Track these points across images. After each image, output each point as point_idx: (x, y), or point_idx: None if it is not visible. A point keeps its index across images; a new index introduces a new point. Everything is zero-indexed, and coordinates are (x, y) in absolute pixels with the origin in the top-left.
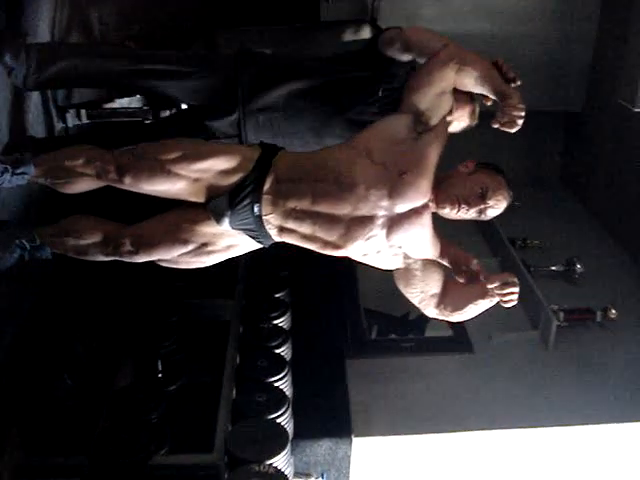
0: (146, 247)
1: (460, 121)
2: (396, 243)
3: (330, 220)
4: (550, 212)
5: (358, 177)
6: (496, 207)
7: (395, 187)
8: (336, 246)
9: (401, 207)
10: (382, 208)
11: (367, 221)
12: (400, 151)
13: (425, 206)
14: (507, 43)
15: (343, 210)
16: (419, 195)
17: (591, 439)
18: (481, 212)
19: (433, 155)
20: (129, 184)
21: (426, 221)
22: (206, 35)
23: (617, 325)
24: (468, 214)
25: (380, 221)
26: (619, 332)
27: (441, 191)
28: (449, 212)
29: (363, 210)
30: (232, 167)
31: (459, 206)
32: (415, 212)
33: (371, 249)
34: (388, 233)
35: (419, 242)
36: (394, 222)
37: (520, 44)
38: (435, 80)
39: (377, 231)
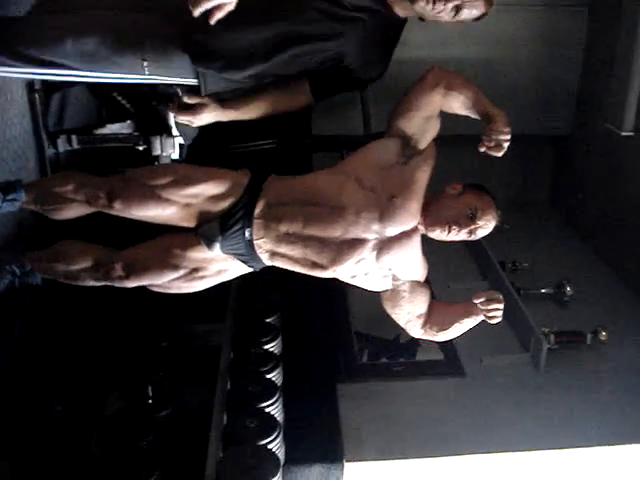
0: (137, 272)
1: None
2: (386, 265)
3: (321, 243)
4: (539, 235)
5: (348, 201)
6: (485, 227)
7: (385, 211)
8: (325, 268)
9: (391, 230)
10: (373, 231)
11: (358, 244)
12: (389, 175)
13: (415, 229)
14: (495, 68)
15: (334, 233)
16: (409, 218)
17: (582, 462)
18: (471, 233)
19: (422, 179)
20: (119, 210)
21: (415, 243)
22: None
23: (608, 347)
24: (458, 235)
25: (370, 244)
26: (610, 354)
27: (430, 213)
28: (439, 234)
29: (354, 233)
30: (222, 192)
31: (449, 228)
32: (405, 235)
33: (360, 271)
34: (378, 256)
35: (408, 264)
36: (384, 245)
37: (508, 68)
38: (422, 105)
39: (367, 254)
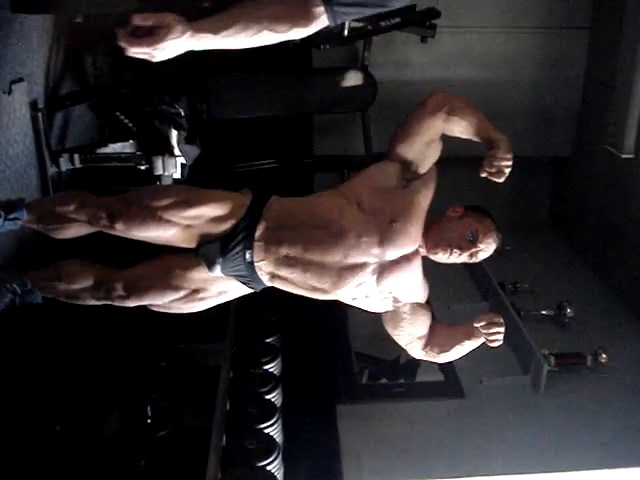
0: (137, 292)
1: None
2: (386, 289)
3: (321, 267)
4: (540, 256)
5: (348, 225)
6: (486, 250)
7: (386, 235)
8: (326, 292)
9: (392, 254)
10: (373, 255)
11: (358, 268)
12: (389, 199)
13: (415, 252)
14: (495, 89)
15: (334, 257)
16: (409, 242)
17: None
18: (472, 256)
19: (423, 203)
20: (121, 230)
21: (416, 266)
22: (199, 81)
23: (608, 369)
24: (460, 258)
25: (371, 268)
26: (610, 376)
27: (432, 236)
28: (441, 257)
29: (354, 258)
30: (224, 214)
31: (451, 251)
32: (405, 258)
33: (361, 294)
34: (378, 279)
35: (409, 287)
36: (384, 269)
37: (508, 90)
38: (423, 129)
39: (367, 277)
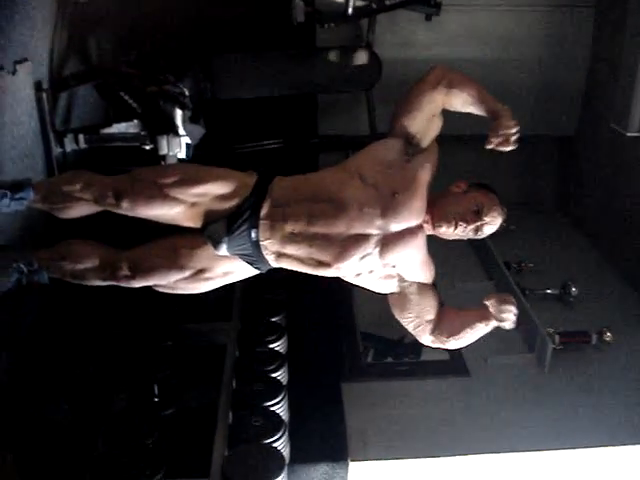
0: (143, 272)
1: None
2: (390, 262)
3: (326, 239)
4: (545, 235)
5: (350, 197)
6: (492, 224)
7: (388, 206)
8: (330, 265)
9: (395, 226)
10: (376, 227)
11: (362, 239)
12: (392, 173)
13: (420, 227)
14: (500, 67)
15: (338, 229)
16: (412, 214)
17: (587, 462)
18: (477, 230)
19: (425, 176)
20: (127, 209)
21: (420, 242)
22: (203, 61)
23: (613, 348)
24: (465, 232)
25: (374, 240)
26: (614, 355)
27: (436, 210)
28: (446, 230)
29: (357, 229)
30: (229, 192)
31: (456, 224)
32: (410, 232)
33: (365, 268)
34: (382, 252)
35: (413, 263)
36: (388, 241)
37: (513, 68)
38: (424, 103)
39: (371, 249)
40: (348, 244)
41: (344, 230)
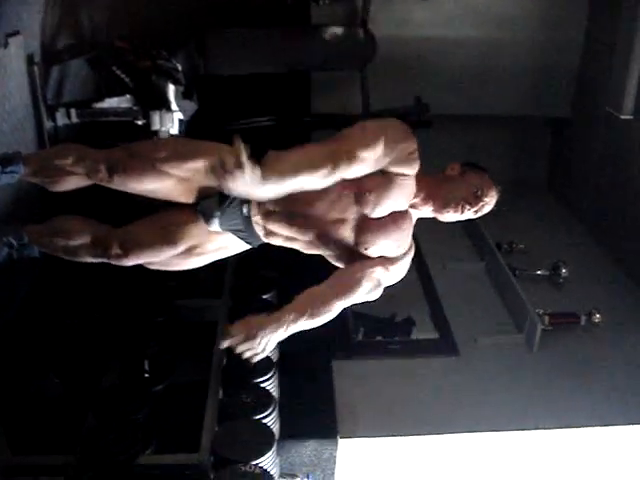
0: (135, 249)
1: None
2: (364, 245)
3: (305, 220)
4: (536, 217)
5: None
6: (489, 204)
7: (361, 199)
8: (312, 245)
9: (371, 213)
10: (353, 212)
11: (339, 223)
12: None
13: (404, 214)
14: (495, 48)
15: (317, 211)
16: (387, 208)
17: (575, 442)
18: (477, 211)
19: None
20: (119, 183)
21: (402, 228)
22: (197, 36)
23: (601, 329)
24: (466, 214)
25: (351, 225)
26: (603, 336)
27: (438, 198)
28: (452, 215)
29: (336, 212)
30: None
31: (462, 207)
32: (391, 219)
33: (339, 249)
34: (357, 236)
35: (387, 247)
36: (365, 226)
37: (508, 49)
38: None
39: (348, 233)
40: (327, 227)
41: (323, 213)
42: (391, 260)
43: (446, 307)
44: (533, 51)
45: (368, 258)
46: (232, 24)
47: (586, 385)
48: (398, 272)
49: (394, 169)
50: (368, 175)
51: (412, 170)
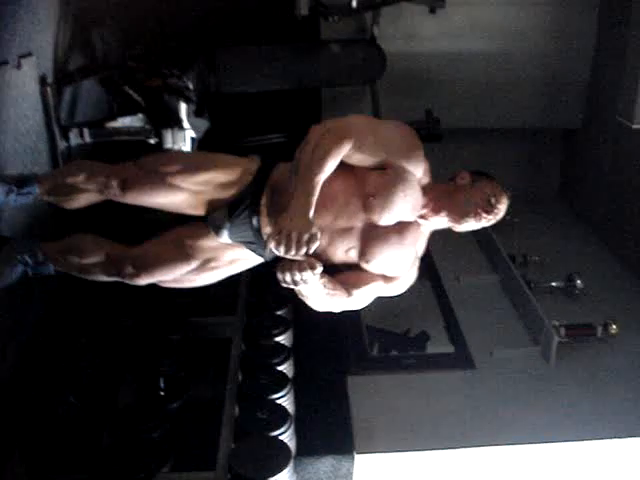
0: (148, 267)
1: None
2: (369, 257)
3: None
4: (550, 228)
5: (338, 188)
6: (502, 212)
7: (366, 204)
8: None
9: (379, 220)
10: (360, 220)
11: (346, 233)
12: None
13: (412, 224)
14: (505, 60)
15: (325, 220)
16: (392, 216)
17: (593, 455)
18: (492, 218)
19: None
20: (131, 197)
21: (408, 241)
22: (207, 54)
23: (618, 340)
24: (482, 223)
25: (358, 234)
26: (620, 347)
27: (455, 209)
28: (472, 224)
29: (343, 221)
30: (232, 180)
31: (480, 216)
32: (396, 230)
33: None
34: (363, 246)
35: (391, 261)
36: (371, 236)
37: (518, 61)
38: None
39: (354, 243)
40: (335, 236)
41: (331, 221)
42: (390, 278)
43: (461, 320)
44: (543, 63)
45: (368, 274)
46: (242, 41)
47: (604, 396)
48: (397, 288)
49: (395, 160)
50: (371, 177)
51: (414, 167)
